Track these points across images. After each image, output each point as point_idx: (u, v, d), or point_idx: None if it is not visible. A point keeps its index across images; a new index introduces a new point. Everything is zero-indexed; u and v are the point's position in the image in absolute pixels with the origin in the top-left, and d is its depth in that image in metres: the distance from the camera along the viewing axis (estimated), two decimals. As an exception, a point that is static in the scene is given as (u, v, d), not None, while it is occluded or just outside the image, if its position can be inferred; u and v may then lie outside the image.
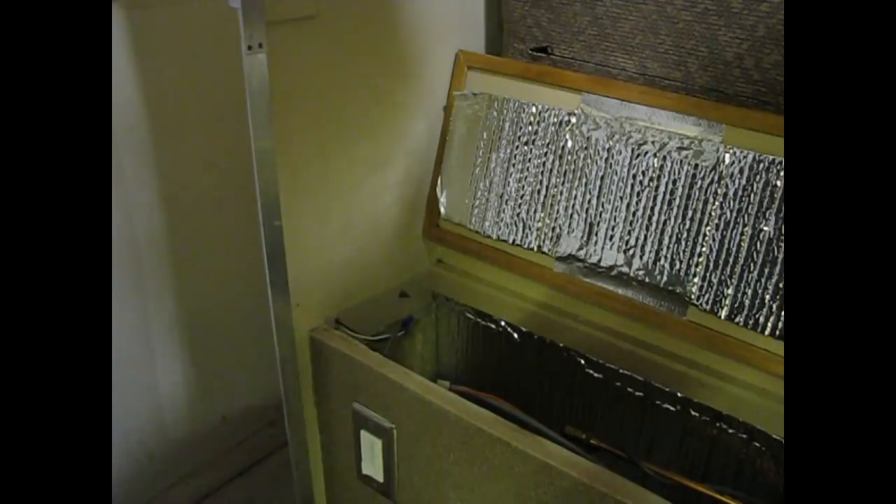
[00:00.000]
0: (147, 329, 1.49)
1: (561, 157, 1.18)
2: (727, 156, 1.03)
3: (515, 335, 1.32)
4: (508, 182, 1.23)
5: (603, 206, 1.14)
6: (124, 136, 1.33)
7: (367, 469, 1.17)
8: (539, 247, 1.21)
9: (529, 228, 1.22)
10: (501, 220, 1.25)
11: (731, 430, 1.11)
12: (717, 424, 1.12)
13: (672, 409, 1.16)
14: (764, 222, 1.00)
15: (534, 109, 1.20)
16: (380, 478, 1.15)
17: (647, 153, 1.10)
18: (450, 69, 1.29)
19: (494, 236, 1.26)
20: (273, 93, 0.98)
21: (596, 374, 1.23)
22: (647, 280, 1.11)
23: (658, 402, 1.17)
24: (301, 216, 1.10)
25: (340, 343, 1.15)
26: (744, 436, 1.10)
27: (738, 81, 1.07)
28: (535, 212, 1.21)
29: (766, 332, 1.01)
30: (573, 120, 1.16)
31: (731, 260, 1.03)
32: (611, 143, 1.13)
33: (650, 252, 1.10)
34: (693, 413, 1.14)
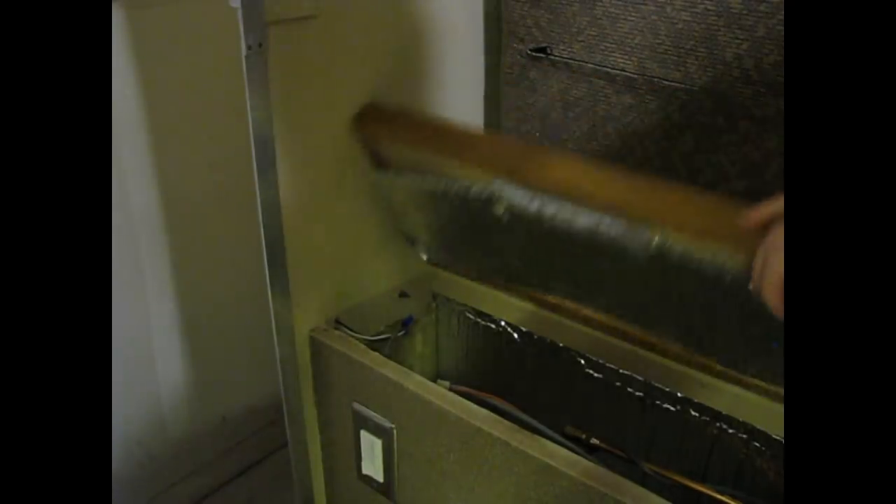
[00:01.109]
0: (147, 329, 1.49)
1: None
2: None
3: (515, 335, 1.32)
4: None
5: None
6: (124, 135, 1.33)
7: (367, 469, 1.17)
8: None
9: None
10: None
11: (731, 430, 1.11)
12: (717, 424, 1.12)
13: (672, 409, 1.16)
14: None
15: (454, 187, 1.03)
16: (380, 478, 1.15)
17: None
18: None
19: None
20: (273, 93, 0.98)
21: (596, 374, 1.23)
22: None
23: (658, 402, 1.17)
24: (301, 216, 1.10)
25: (340, 343, 1.15)
26: (744, 436, 1.10)
27: (737, 82, 1.07)
28: None
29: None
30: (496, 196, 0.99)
31: None
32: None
33: None
34: (693, 413, 1.14)
